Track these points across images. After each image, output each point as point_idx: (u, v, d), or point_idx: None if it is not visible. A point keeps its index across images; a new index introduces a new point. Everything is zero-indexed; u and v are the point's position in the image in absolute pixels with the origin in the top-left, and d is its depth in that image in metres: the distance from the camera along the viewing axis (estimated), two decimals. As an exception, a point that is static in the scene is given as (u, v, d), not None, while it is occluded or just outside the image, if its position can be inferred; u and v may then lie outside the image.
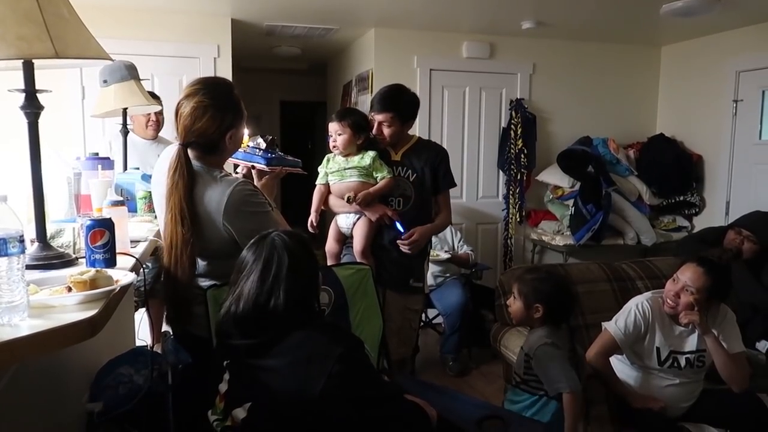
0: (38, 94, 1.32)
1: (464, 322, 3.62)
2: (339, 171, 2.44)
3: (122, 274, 1.28)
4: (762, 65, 4.10)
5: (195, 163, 1.68)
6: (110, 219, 1.42)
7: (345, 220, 2.52)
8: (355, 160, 2.41)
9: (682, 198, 4.64)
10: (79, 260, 1.46)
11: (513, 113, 4.66)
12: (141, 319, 2.65)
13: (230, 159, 1.95)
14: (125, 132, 2.90)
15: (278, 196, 2.02)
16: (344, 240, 2.59)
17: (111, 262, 1.39)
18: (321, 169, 2.53)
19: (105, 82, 2.72)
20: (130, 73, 2.72)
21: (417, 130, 3.97)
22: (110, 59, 1.40)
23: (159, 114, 3.44)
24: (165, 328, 3.06)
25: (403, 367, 2.64)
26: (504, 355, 2.59)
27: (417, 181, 2.51)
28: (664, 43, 4.95)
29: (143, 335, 2.68)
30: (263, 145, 2.01)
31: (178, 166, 1.63)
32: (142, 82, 2.82)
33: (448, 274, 3.82)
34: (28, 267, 1.27)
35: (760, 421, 2.15)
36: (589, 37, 4.75)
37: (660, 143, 4.73)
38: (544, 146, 4.75)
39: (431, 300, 3.72)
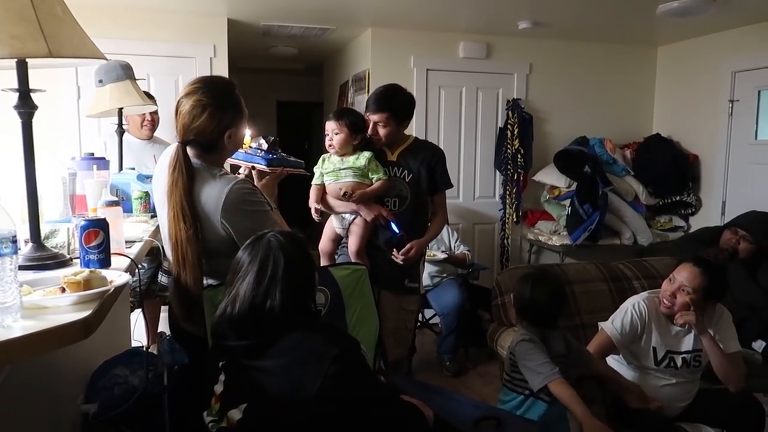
0: (32, 94, 1.31)
1: (461, 322, 3.61)
2: (334, 171, 2.44)
3: (117, 275, 1.28)
4: (758, 65, 4.11)
5: (195, 161, 1.68)
6: (104, 219, 1.41)
7: (340, 220, 2.52)
8: (351, 160, 2.41)
9: (678, 198, 4.65)
10: (74, 261, 1.45)
11: (510, 113, 4.66)
12: (137, 319, 2.64)
13: (232, 160, 1.96)
14: (121, 132, 2.90)
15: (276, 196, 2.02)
16: (339, 240, 2.58)
17: (105, 263, 1.38)
18: (317, 169, 2.52)
19: (100, 81, 2.71)
20: (126, 72, 2.72)
21: (413, 130, 3.97)
22: (105, 58, 1.39)
23: (154, 114, 3.43)
24: (160, 328, 3.06)
25: (399, 367, 2.63)
26: (500, 355, 2.59)
27: (413, 182, 2.51)
28: (661, 44, 4.96)
29: (139, 336, 2.67)
30: (265, 146, 2.01)
31: (177, 164, 1.63)
32: (137, 82, 2.81)
33: (444, 274, 3.82)
34: (22, 268, 1.26)
35: (756, 421, 2.16)
36: (585, 38, 4.76)
37: (656, 143, 4.73)
38: (540, 146, 4.75)
39: (428, 300, 3.72)
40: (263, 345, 1.36)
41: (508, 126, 4.64)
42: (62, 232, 1.58)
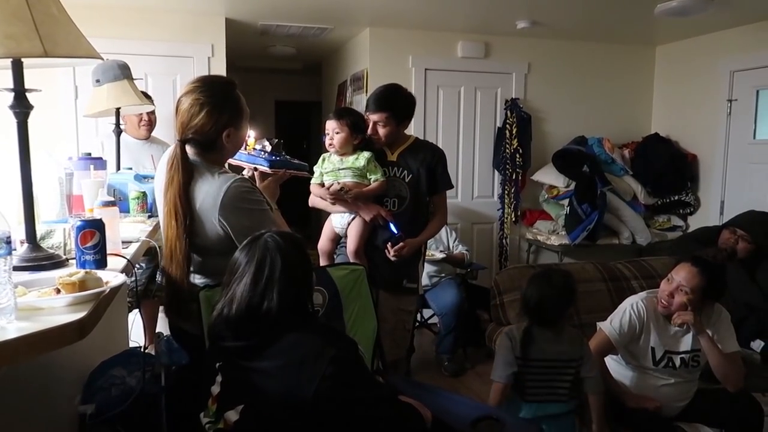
0: (28, 94, 1.30)
1: (459, 322, 3.61)
2: (333, 171, 2.43)
3: (112, 276, 1.27)
4: (756, 65, 4.11)
5: (195, 159, 1.69)
6: (100, 219, 1.41)
7: (339, 219, 2.51)
8: (350, 160, 2.40)
9: (676, 197, 4.65)
10: (70, 261, 1.44)
11: (508, 113, 4.66)
12: (134, 320, 2.64)
13: (235, 161, 1.96)
14: (118, 132, 2.89)
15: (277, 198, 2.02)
16: (338, 240, 2.58)
17: (101, 264, 1.38)
18: (317, 169, 2.51)
19: (98, 81, 2.70)
20: (123, 72, 2.71)
21: (412, 129, 3.96)
22: (101, 58, 1.39)
23: (151, 114, 3.42)
24: (159, 329, 3.06)
25: (397, 367, 2.62)
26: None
27: (412, 182, 2.50)
28: (659, 43, 4.96)
29: (136, 336, 2.67)
30: (269, 148, 2.01)
31: (175, 162, 1.64)
32: (135, 81, 2.80)
33: (443, 274, 3.81)
34: (17, 268, 1.26)
35: (754, 421, 2.16)
36: (584, 37, 4.76)
37: (655, 143, 4.73)
38: (539, 146, 4.75)
39: (426, 300, 3.71)
40: (260, 346, 1.36)
41: (507, 126, 4.64)
42: (58, 232, 1.58)
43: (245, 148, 1.98)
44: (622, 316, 2.26)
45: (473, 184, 4.76)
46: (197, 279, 1.75)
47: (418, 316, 3.87)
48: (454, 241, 3.96)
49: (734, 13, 3.87)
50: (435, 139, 4.37)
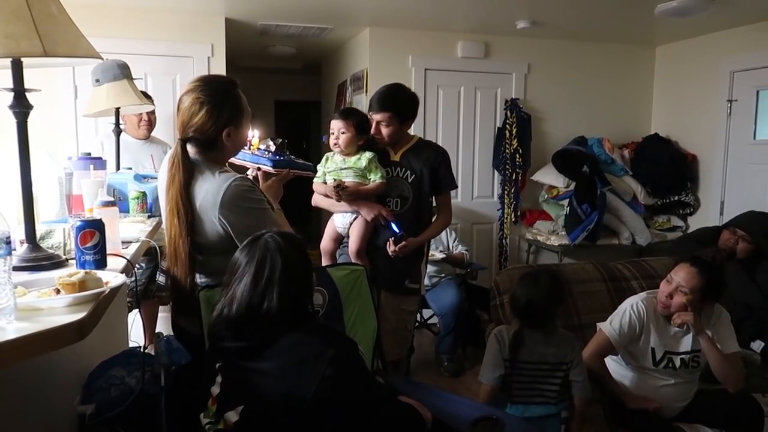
0: (27, 93, 1.30)
1: (459, 322, 3.61)
2: (335, 170, 2.44)
3: (112, 276, 1.27)
4: (756, 65, 4.11)
5: (195, 158, 1.69)
6: (100, 220, 1.40)
7: (342, 219, 2.51)
8: (352, 160, 2.40)
9: (676, 198, 4.65)
10: (69, 261, 1.44)
11: (508, 113, 4.65)
12: (134, 320, 2.63)
13: (239, 160, 1.96)
14: (118, 132, 2.88)
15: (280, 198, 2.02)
16: (340, 239, 2.58)
17: (101, 264, 1.37)
18: (320, 168, 2.52)
19: (97, 81, 2.70)
20: (123, 72, 2.71)
21: (412, 130, 3.95)
22: (100, 58, 1.38)
23: (151, 114, 3.42)
24: (158, 329, 3.05)
25: (398, 368, 2.62)
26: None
27: (415, 182, 2.50)
28: (659, 43, 4.96)
29: (136, 336, 2.66)
30: (273, 148, 2.01)
31: (175, 161, 1.65)
32: (135, 81, 2.80)
33: (443, 274, 3.81)
34: (17, 268, 1.25)
35: (754, 421, 2.16)
36: (584, 37, 4.75)
37: (655, 143, 4.73)
38: (539, 146, 4.75)
39: (426, 300, 3.71)
40: (260, 346, 1.36)
41: (507, 126, 4.64)
42: (58, 232, 1.57)
43: (249, 148, 1.98)
44: (622, 317, 2.26)
45: (473, 184, 4.76)
46: (199, 278, 1.75)
47: (418, 316, 3.87)
48: (453, 242, 3.96)
49: (734, 14, 3.87)
50: (435, 140, 4.36)
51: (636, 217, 4.57)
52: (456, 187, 2.64)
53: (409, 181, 2.49)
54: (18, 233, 1.42)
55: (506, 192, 4.70)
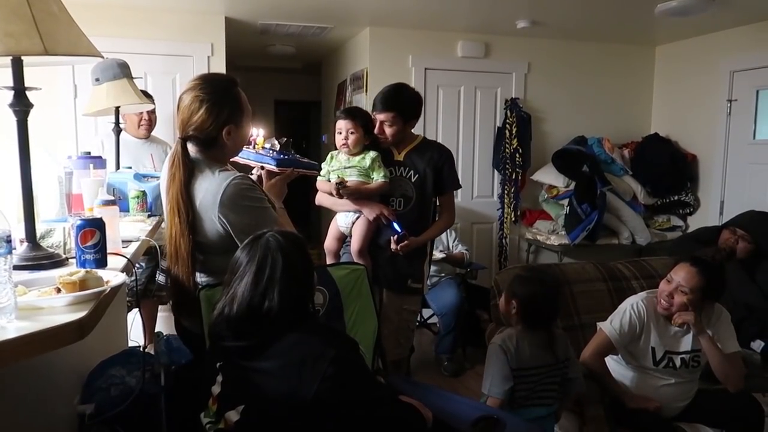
0: (28, 92, 1.30)
1: (459, 321, 3.61)
2: (339, 169, 2.44)
3: (113, 275, 1.26)
4: (756, 65, 4.11)
5: (196, 156, 1.69)
6: (101, 219, 1.40)
7: (344, 218, 2.51)
8: (356, 159, 2.41)
9: (676, 197, 4.65)
10: (70, 260, 1.44)
11: (508, 113, 4.65)
12: (134, 319, 2.63)
13: (243, 159, 1.96)
14: (117, 131, 2.88)
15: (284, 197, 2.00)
16: (344, 239, 2.58)
17: (102, 263, 1.37)
18: (324, 166, 2.52)
19: (97, 80, 2.69)
20: (123, 71, 2.70)
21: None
22: (101, 56, 1.38)
23: (151, 113, 3.41)
24: (158, 328, 3.05)
25: (399, 368, 2.62)
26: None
27: (418, 182, 2.50)
28: (659, 43, 4.96)
29: (136, 336, 2.66)
30: (277, 147, 2.00)
31: (175, 159, 1.65)
32: (134, 80, 2.80)
33: (443, 274, 3.81)
34: (17, 267, 1.25)
35: (755, 421, 2.15)
36: (584, 37, 4.75)
37: (654, 143, 4.73)
38: (539, 146, 4.75)
39: (426, 300, 3.71)
40: (261, 346, 1.35)
41: (507, 125, 4.64)
42: (58, 231, 1.57)
43: (254, 147, 1.98)
44: (623, 317, 2.26)
45: (473, 184, 4.76)
46: (200, 278, 1.75)
47: (418, 315, 3.86)
48: (453, 241, 3.96)
49: (734, 14, 3.87)
50: (435, 139, 4.34)
51: (636, 216, 4.57)
52: (460, 187, 2.64)
53: (413, 180, 2.50)
54: (18, 232, 1.42)
55: (506, 192, 4.70)
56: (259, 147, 2.00)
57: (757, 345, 2.81)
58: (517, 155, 4.59)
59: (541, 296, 2.02)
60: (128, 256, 1.52)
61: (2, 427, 1.26)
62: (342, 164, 2.43)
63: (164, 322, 3.43)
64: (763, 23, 4.02)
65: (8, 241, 0.99)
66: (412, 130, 2.62)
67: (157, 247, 1.88)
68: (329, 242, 2.60)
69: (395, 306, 2.50)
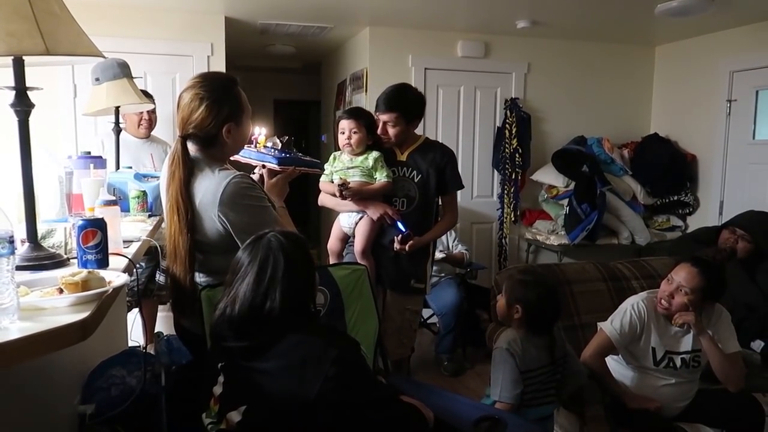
0: (29, 92, 1.30)
1: (459, 321, 3.61)
2: (342, 170, 2.44)
3: (115, 275, 1.26)
4: (756, 65, 4.12)
5: (196, 155, 1.69)
6: (102, 219, 1.40)
7: (347, 219, 2.51)
8: (359, 159, 2.41)
9: (676, 197, 4.66)
10: (71, 261, 1.43)
11: (508, 112, 4.65)
12: (134, 319, 2.63)
13: (245, 158, 1.95)
14: (117, 130, 2.88)
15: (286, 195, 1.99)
16: (347, 239, 2.58)
17: (103, 263, 1.37)
18: (327, 167, 2.52)
19: (97, 80, 2.69)
20: (123, 71, 2.70)
21: (412, 129, 3.96)
22: (102, 56, 1.38)
23: (152, 113, 3.41)
24: (158, 328, 3.05)
25: (400, 368, 2.63)
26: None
27: (421, 182, 2.50)
28: (659, 43, 4.96)
29: (136, 336, 2.66)
30: (279, 145, 2.00)
31: (175, 158, 1.65)
32: (134, 80, 2.79)
33: (443, 274, 3.81)
34: (19, 268, 1.25)
35: (755, 421, 2.15)
36: (583, 37, 4.75)
37: (654, 143, 4.74)
38: (538, 146, 4.75)
39: (426, 300, 3.70)
40: (263, 346, 1.35)
41: (506, 125, 4.64)
42: (59, 231, 1.57)
43: (255, 146, 1.97)
44: (623, 317, 2.26)
45: (473, 184, 4.75)
46: (199, 277, 1.74)
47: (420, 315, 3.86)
48: (453, 241, 3.96)
49: (734, 14, 3.88)
50: (435, 139, 4.35)
51: (635, 216, 4.57)
52: (462, 187, 2.64)
53: (416, 181, 2.50)
54: (18, 232, 1.42)
55: (506, 191, 4.70)
56: (260, 146, 2.00)
57: (757, 345, 2.81)
58: (517, 155, 4.59)
59: (545, 300, 2.01)
60: (130, 257, 1.52)
61: (3, 428, 1.26)
62: (345, 165, 2.43)
63: (164, 322, 3.43)
64: (762, 23, 4.03)
65: (11, 241, 0.99)
66: (415, 131, 2.61)
67: (158, 247, 1.88)
68: (332, 243, 2.60)
69: (398, 306, 2.50)
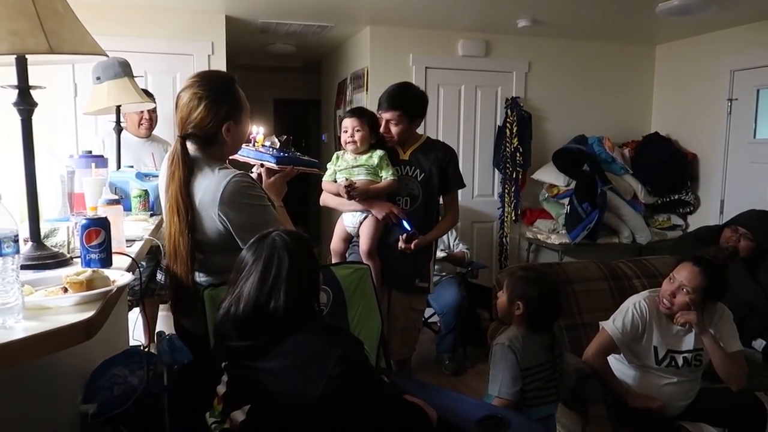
0: (32, 90, 1.29)
1: (460, 321, 3.61)
2: (347, 169, 2.44)
3: (119, 275, 1.26)
4: (756, 64, 4.11)
5: (195, 155, 1.68)
6: (106, 218, 1.39)
7: (351, 219, 2.51)
8: (364, 158, 2.41)
9: (676, 196, 4.65)
10: (74, 260, 1.43)
11: (508, 111, 4.65)
12: (136, 319, 2.63)
13: (243, 157, 1.95)
14: (118, 130, 2.87)
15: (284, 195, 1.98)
16: (350, 239, 2.57)
17: (107, 262, 1.37)
18: (330, 166, 2.51)
19: (98, 79, 2.69)
20: (124, 70, 2.70)
21: (413, 128, 3.95)
22: (105, 55, 1.38)
23: (152, 112, 3.40)
24: (158, 327, 3.04)
25: (402, 367, 2.63)
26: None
27: (424, 181, 2.51)
28: (659, 42, 4.96)
29: (138, 335, 2.65)
30: (277, 145, 2.00)
31: (175, 158, 1.64)
32: (135, 79, 2.79)
33: (443, 273, 3.81)
34: (22, 267, 1.24)
35: (757, 420, 2.16)
36: (584, 36, 4.75)
37: (655, 142, 4.73)
38: (539, 145, 4.75)
39: (427, 299, 3.70)
40: (267, 346, 1.35)
41: (507, 124, 4.63)
42: (62, 231, 1.56)
43: (254, 145, 1.97)
44: (625, 316, 2.26)
45: (473, 183, 4.75)
46: (199, 277, 1.74)
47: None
48: (454, 240, 3.96)
49: (735, 13, 3.87)
50: (435, 138, 4.36)
51: (636, 215, 4.57)
52: (464, 186, 2.64)
53: (419, 179, 2.50)
54: (21, 232, 1.41)
55: (506, 191, 4.70)
56: (258, 145, 2.00)
57: (759, 344, 2.81)
58: (518, 154, 4.58)
59: (547, 297, 2.01)
60: (133, 256, 1.52)
61: (4, 427, 1.26)
62: (349, 164, 2.43)
63: (164, 322, 3.42)
64: (763, 22, 4.03)
65: (15, 240, 0.99)
66: (416, 130, 2.61)
67: (160, 246, 1.88)
68: (335, 243, 2.59)
69: (403, 306, 2.51)
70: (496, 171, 4.76)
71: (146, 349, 1.86)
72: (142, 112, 3.31)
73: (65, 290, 1.11)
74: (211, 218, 1.62)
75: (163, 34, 3.96)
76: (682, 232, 4.69)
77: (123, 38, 3.74)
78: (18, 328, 0.95)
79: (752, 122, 4.20)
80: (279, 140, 2.02)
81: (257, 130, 1.99)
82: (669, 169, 4.55)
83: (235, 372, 1.39)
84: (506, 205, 4.72)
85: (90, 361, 1.80)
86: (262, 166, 1.97)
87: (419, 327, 2.67)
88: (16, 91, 1.28)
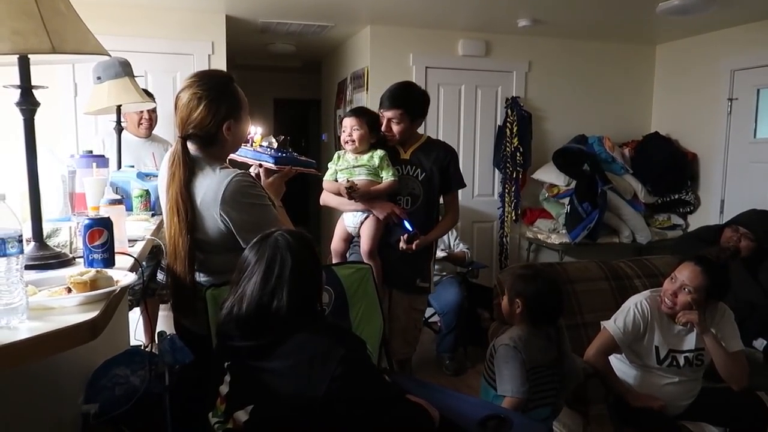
0: (33, 90, 1.29)
1: (460, 320, 3.60)
2: (348, 169, 2.44)
3: (122, 275, 1.26)
4: (757, 64, 4.12)
5: (196, 155, 1.68)
6: (108, 218, 1.39)
7: (352, 219, 2.51)
8: (364, 158, 2.41)
9: (677, 196, 4.66)
10: (76, 260, 1.43)
11: (509, 111, 4.65)
12: (138, 319, 2.62)
13: (241, 157, 1.95)
14: (119, 129, 2.87)
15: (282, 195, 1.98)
16: (351, 239, 2.57)
17: (110, 262, 1.36)
18: (331, 166, 2.51)
19: (99, 78, 2.68)
20: (124, 69, 2.69)
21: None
22: (108, 55, 1.37)
23: (152, 112, 3.40)
24: (159, 327, 3.03)
25: (403, 367, 2.63)
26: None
27: (425, 180, 2.51)
28: (659, 42, 4.96)
29: (139, 335, 2.65)
30: (275, 145, 2.00)
31: (176, 158, 1.64)
32: (135, 79, 2.78)
33: (444, 273, 3.81)
34: (25, 267, 1.24)
35: (759, 419, 2.16)
36: (584, 36, 4.75)
37: (655, 141, 4.73)
38: (539, 144, 4.75)
39: (427, 298, 3.70)
40: (270, 346, 1.35)
41: (507, 124, 4.63)
42: (64, 230, 1.56)
43: (251, 145, 1.97)
44: (626, 315, 2.26)
45: (474, 183, 4.75)
46: (200, 277, 1.74)
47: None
48: (454, 240, 3.96)
49: (735, 12, 3.88)
50: (436, 137, 4.36)
51: (636, 215, 4.57)
52: (465, 185, 2.64)
53: (420, 179, 2.50)
54: (24, 231, 1.41)
55: (507, 190, 4.70)
56: (256, 145, 2.00)
57: (760, 343, 2.81)
58: (518, 154, 4.58)
59: (546, 292, 2.01)
60: (135, 256, 1.51)
61: (6, 427, 1.26)
62: (350, 163, 2.43)
63: (164, 322, 3.42)
64: (763, 22, 4.03)
65: (19, 240, 0.99)
66: (417, 130, 2.61)
67: (162, 246, 1.88)
68: (336, 243, 2.59)
69: (404, 306, 2.50)
70: (497, 171, 4.76)
71: (148, 349, 1.86)
72: (141, 112, 3.30)
73: (69, 290, 1.11)
74: (213, 218, 1.62)
75: (164, 33, 3.96)
76: (682, 231, 4.69)
77: (123, 38, 3.74)
78: (22, 329, 0.95)
79: (752, 122, 4.20)
80: (277, 140, 2.02)
81: (255, 130, 1.99)
82: (669, 168, 4.55)
83: (238, 372, 1.38)
84: (506, 204, 4.72)
85: (91, 361, 1.80)
86: (260, 166, 1.97)
87: (420, 327, 2.67)
88: (19, 90, 1.28)
